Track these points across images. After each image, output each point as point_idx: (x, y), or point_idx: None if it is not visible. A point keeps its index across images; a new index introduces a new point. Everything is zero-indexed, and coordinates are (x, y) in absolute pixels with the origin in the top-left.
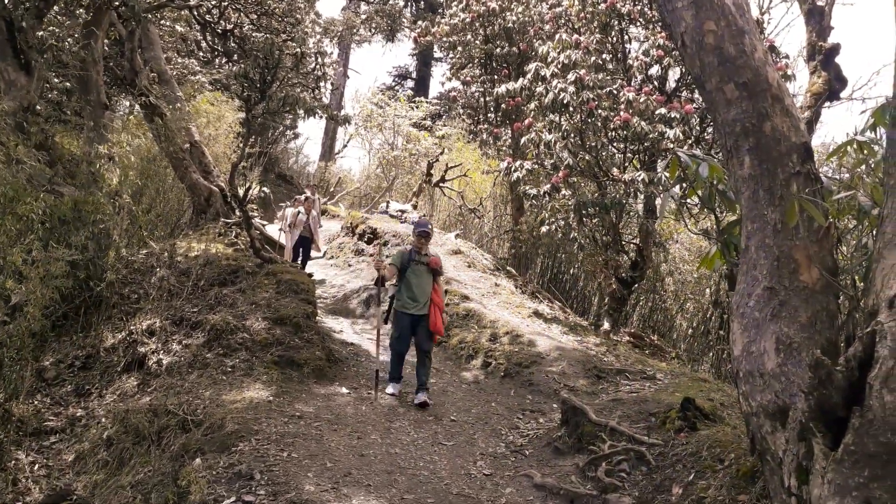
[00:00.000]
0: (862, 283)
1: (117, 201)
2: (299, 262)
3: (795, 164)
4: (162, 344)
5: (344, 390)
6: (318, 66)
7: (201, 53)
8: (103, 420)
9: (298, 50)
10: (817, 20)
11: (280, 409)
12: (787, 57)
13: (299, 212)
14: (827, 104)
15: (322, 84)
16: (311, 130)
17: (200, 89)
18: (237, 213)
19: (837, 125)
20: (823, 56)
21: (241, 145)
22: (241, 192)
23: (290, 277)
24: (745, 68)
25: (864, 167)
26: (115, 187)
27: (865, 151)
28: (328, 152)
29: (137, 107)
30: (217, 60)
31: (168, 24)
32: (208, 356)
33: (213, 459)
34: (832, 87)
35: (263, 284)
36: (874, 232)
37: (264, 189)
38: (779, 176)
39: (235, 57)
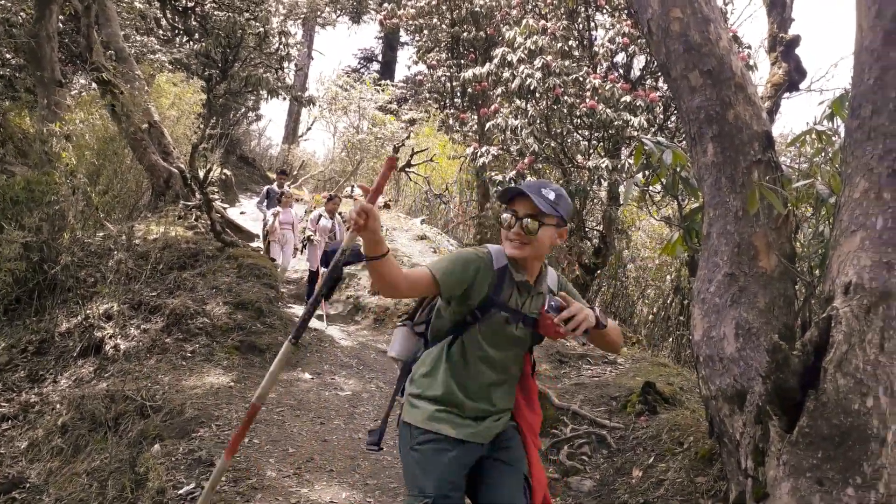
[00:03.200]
0: (818, 270)
1: (72, 181)
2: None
3: (757, 153)
4: (119, 328)
5: (307, 376)
6: (281, 47)
7: (161, 31)
8: (58, 406)
9: (261, 29)
10: (779, 11)
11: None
12: (749, 47)
13: (321, 216)
14: (787, 94)
15: (286, 65)
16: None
17: (160, 68)
18: (198, 195)
19: (797, 115)
20: (784, 47)
21: (201, 126)
22: (201, 174)
23: (252, 261)
24: (710, 56)
25: (822, 156)
26: (71, 167)
27: (824, 141)
28: (291, 134)
29: (94, 84)
30: (177, 39)
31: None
32: (167, 341)
33: (173, 446)
34: (792, 77)
35: (224, 268)
36: (831, 220)
37: (226, 171)
38: (741, 164)
39: (196, 35)
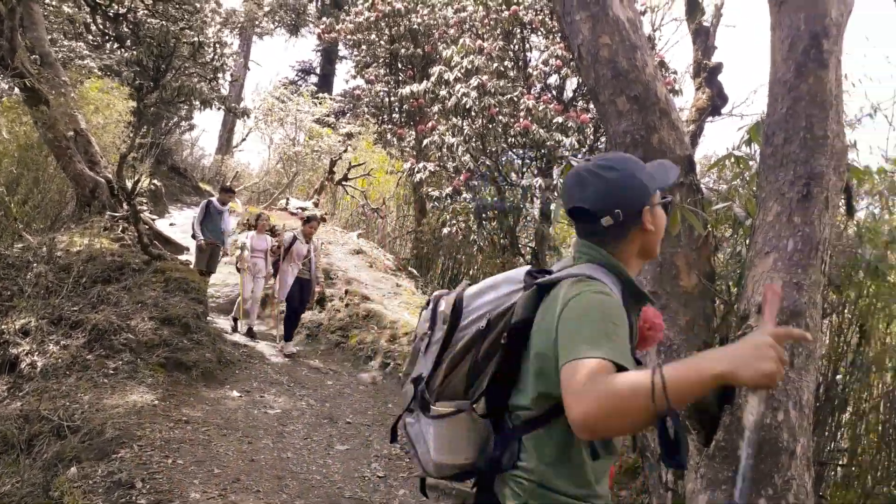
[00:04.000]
0: (736, 289)
1: None
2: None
3: (679, 176)
4: (37, 344)
5: (235, 393)
6: (216, 57)
7: (90, 37)
8: None
9: (196, 39)
10: (703, 39)
11: (166, 413)
12: (675, 72)
13: (295, 238)
14: (710, 119)
15: (220, 75)
16: (208, 122)
17: (88, 75)
18: (125, 206)
19: (719, 139)
20: (707, 73)
21: (131, 135)
22: (129, 184)
23: (180, 275)
24: (637, 82)
25: (740, 180)
26: None
27: (741, 165)
28: (226, 145)
29: (17, 90)
30: (108, 45)
31: (54, 3)
32: (89, 358)
33: (91, 468)
34: (715, 103)
35: (151, 282)
36: (747, 241)
37: (155, 182)
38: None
39: (128, 43)
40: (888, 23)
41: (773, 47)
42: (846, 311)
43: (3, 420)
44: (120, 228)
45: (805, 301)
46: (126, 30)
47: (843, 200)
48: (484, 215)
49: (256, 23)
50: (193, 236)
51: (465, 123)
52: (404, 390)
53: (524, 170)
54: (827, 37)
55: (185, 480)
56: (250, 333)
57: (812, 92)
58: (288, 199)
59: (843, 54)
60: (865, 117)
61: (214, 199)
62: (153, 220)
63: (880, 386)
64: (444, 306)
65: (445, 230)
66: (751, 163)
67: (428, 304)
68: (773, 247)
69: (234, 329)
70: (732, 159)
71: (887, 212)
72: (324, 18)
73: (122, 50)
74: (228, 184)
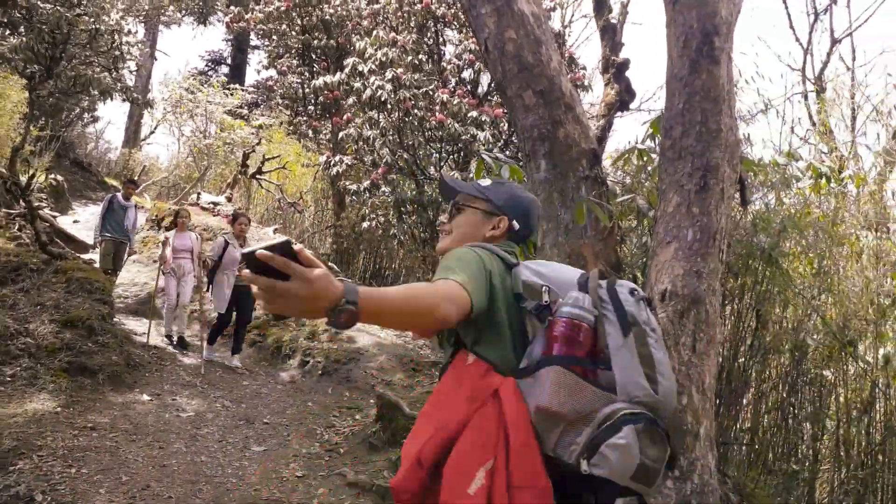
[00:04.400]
0: (642, 278)
1: None
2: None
3: (585, 169)
4: None
5: (145, 397)
6: (116, 45)
7: None
8: None
9: (93, 26)
10: (611, 36)
11: (69, 420)
12: (585, 69)
13: (227, 242)
14: (619, 114)
15: (121, 64)
16: (113, 114)
17: None
18: (21, 203)
19: (629, 133)
20: (616, 69)
21: (26, 127)
22: (24, 179)
23: (83, 275)
24: (542, 77)
25: (643, 173)
26: None
27: (644, 158)
28: (133, 138)
29: None
30: None
31: None
32: None
33: None
34: (623, 98)
35: (51, 283)
36: (651, 231)
37: (56, 177)
38: (570, 179)
39: (21, 29)
40: (779, 21)
41: (668, 44)
42: (745, 297)
43: None
44: (16, 226)
45: (704, 288)
46: (17, 15)
47: (737, 191)
48: (403, 209)
49: (162, 11)
50: (97, 237)
51: (381, 116)
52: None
53: (442, 164)
54: (718, 34)
55: (89, 490)
56: (181, 343)
57: (706, 87)
58: (199, 193)
59: (737, 52)
60: (759, 113)
61: (118, 194)
62: (54, 217)
63: (778, 367)
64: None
65: (365, 224)
66: (653, 156)
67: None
68: (674, 236)
69: (173, 345)
70: (636, 153)
71: (780, 202)
72: (232, 7)
73: (13, 36)
74: (134, 177)
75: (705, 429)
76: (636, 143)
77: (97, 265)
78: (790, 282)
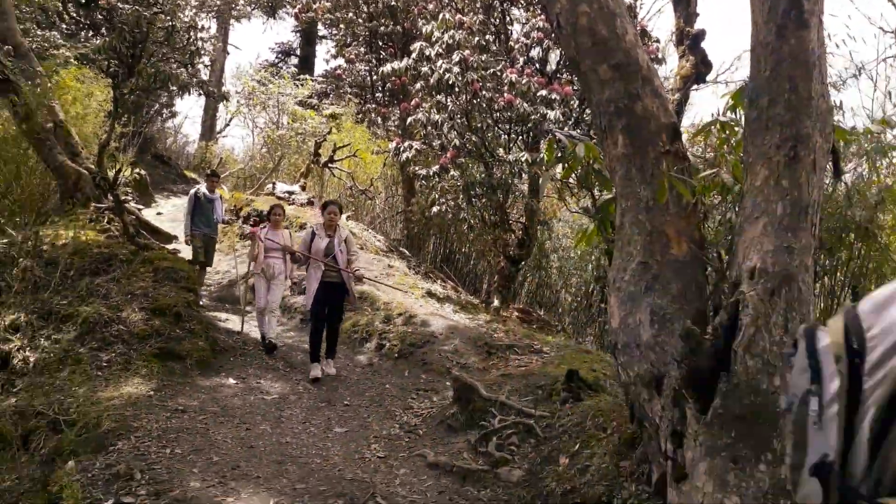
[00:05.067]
0: (726, 256)
1: None
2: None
3: (665, 143)
4: (28, 340)
5: (231, 381)
6: (192, 41)
7: (64, 25)
8: None
9: (170, 23)
10: (684, 6)
11: (162, 403)
12: (657, 41)
13: (314, 233)
14: (695, 87)
15: (198, 59)
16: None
17: (64, 64)
18: (109, 197)
19: (705, 106)
20: (690, 41)
21: (111, 124)
22: (111, 174)
23: (169, 265)
24: (617, 50)
25: (726, 146)
26: None
27: (727, 131)
28: (209, 131)
29: None
30: (83, 33)
31: None
32: (81, 351)
33: (89, 461)
34: (699, 70)
35: (140, 273)
36: (736, 207)
37: (140, 171)
38: (650, 155)
39: (102, 30)
40: None
41: (753, 9)
42: (838, 273)
43: None
44: (106, 220)
45: (796, 265)
46: (99, 17)
47: (830, 162)
48: (473, 192)
49: (233, 6)
50: (188, 234)
51: (448, 100)
52: (804, 491)
53: (511, 145)
54: None
55: (184, 469)
56: (272, 348)
57: (794, 53)
58: (274, 183)
59: (826, 15)
60: (850, 78)
61: (202, 187)
62: (139, 209)
63: None
64: (828, 338)
65: (435, 209)
66: (737, 128)
67: (795, 344)
68: (763, 211)
69: (267, 351)
70: (718, 125)
71: (875, 173)
72: None
73: (97, 37)
74: (211, 168)
75: None
76: (717, 115)
77: (182, 255)
78: (888, 256)
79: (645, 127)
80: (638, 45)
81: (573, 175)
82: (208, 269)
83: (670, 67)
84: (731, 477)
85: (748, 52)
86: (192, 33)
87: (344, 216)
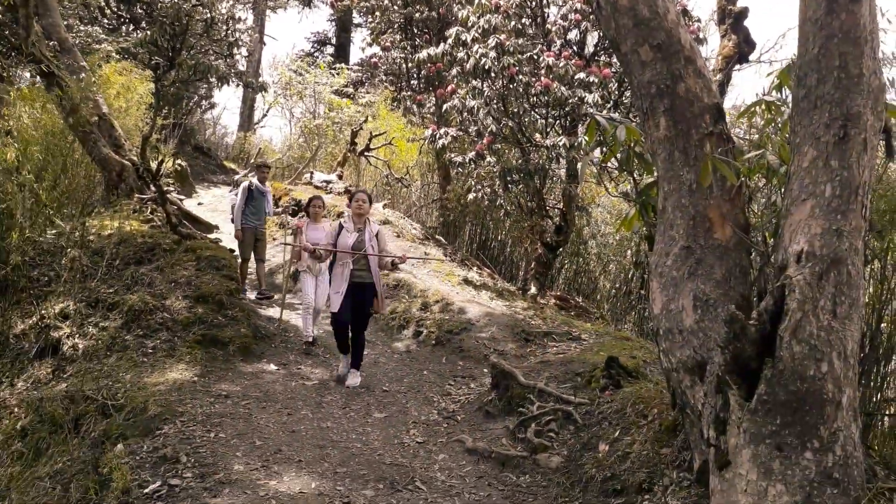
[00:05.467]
0: (772, 240)
1: (18, 178)
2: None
3: (708, 125)
4: (77, 327)
5: (272, 367)
6: (230, 32)
7: (106, 20)
8: (16, 410)
9: (208, 15)
10: None
11: (205, 389)
12: (699, 20)
13: (341, 227)
14: (737, 67)
15: (235, 50)
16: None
17: (107, 58)
18: (152, 188)
19: (747, 87)
20: (733, 19)
21: (152, 117)
22: (154, 165)
23: (211, 253)
24: (659, 30)
25: (772, 127)
26: (12, 163)
27: (773, 111)
28: (247, 122)
29: (37, 77)
30: (124, 28)
31: None
32: (127, 338)
33: (136, 444)
34: (741, 49)
35: (183, 261)
36: (782, 189)
37: (181, 162)
38: (693, 137)
39: (143, 24)
40: None
41: None
42: (889, 256)
43: (51, 401)
44: (149, 210)
45: (846, 248)
46: (140, 10)
47: (881, 142)
48: (509, 179)
49: None
50: (238, 230)
51: (484, 85)
52: None
53: (548, 130)
54: None
55: (228, 453)
56: (312, 345)
57: (845, 28)
58: (312, 172)
59: None
60: None
61: (254, 179)
62: (181, 200)
63: None
64: None
65: (471, 196)
66: (783, 108)
67: None
68: (810, 193)
69: (308, 351)
70: (763, 106)
71: None
72: None
73: (138, 31)
74: (261, 159)
75: (848, 398)
76: (762, 95)
77: (223, 244)
78: None
79: (688, 108)
80: (680, 25)
81: (613, 159)
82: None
83: (711, 47)
84: (775, 464)
85: (793, 29)
86: (230, 24)
87: (380, 204)
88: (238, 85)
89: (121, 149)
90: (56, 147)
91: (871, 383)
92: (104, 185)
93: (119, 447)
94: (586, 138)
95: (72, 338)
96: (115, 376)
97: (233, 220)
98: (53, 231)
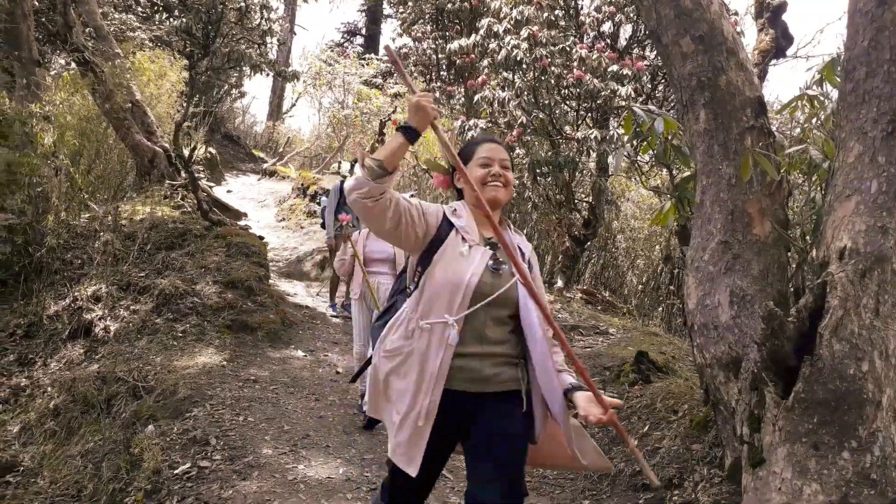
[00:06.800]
0: (811, 237)
1: (54, 163)
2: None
3: (749, 119)
4: (109, 310)
5: (300, 353)
6: (263, 21)
7: (140, 8)
8: (49, 389)
9: (242, 4)
10: None
11: (234, 373)
12: (736, 13)
13: (451, 225)
14: (774, 62)
15: (268, 39)
16: (257, 89)
17: (140, 46)
18: (183, 174)
19: (783, 82)
20: (771, 14)
21: (184, 104)
22: (186, 152)
23: (241, 240)
24: (702, 21)
25: (814, 121)
26: (49, 148)
27: (815, 106)
28: (276, 111)
29: (73, 64)
30: (157, 16)
31: None
32: (158, 321)
33: (167, 426)
34: (779, 44)
35: (213, 247)
36: (823, 186)
37: (211, 150)
38: (733, 130)
39: (176, 12)
40: None
41: None
42: None
43: (83, 382)
44: (180, 196)
45: (891, 245)
46: None
47: None
48: (538, 171)
49: None
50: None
51: (516, 77)
52: None
53: (579, 122)
54: None
55: (256, 437)
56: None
57: None
58: (340, 162)
59: None
60: None
61: (347, 180)
62: (211, 187)
63: None
64: None
65: None
66: (826, 103)
67: None
68: (855, 189)
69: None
70: (805, 100)
71: None
72: None
73: (171, 19)
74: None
75: (888, 398)
76: (804, 89)
77: (252, 231)
78: None
79: (729, 101)
80: (723, 16)
81: (649, 151)
82: (272, 242)
83: (748, 41)
84: (811, 463)
85: (831, 24)
86: (263, 13)
87: (407, 194)
88: (269, 74)
89: (153, 135)
90: (91, 133)
91: None
92: (136, 170)
93: (150, 428)
94: (619, 131)
95: (104, 320)
96: (146, 359)
97: (323, 226)
98: (87, 215)
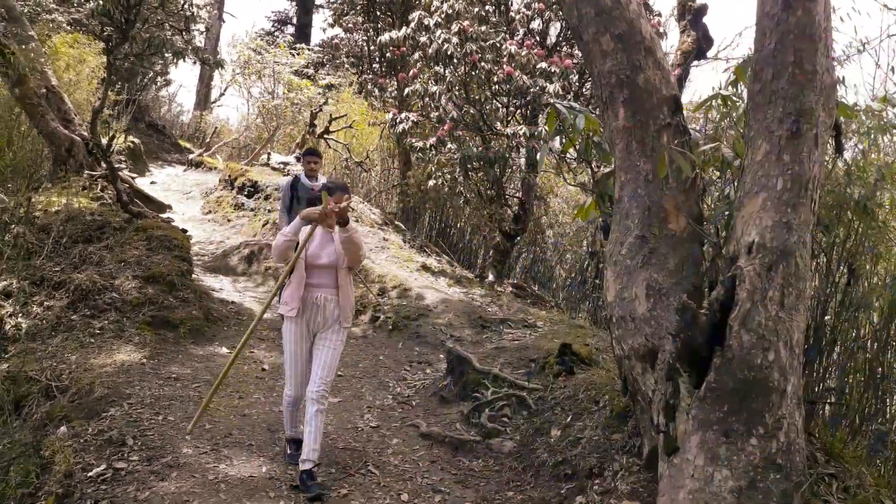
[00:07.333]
0: (724, 231)
1: None
2: None
3: (666, 117)
4: (20, 306)
5: (224, 350)
6: (186, 6)
7: None
8: None
9: None
10: None
11: (155, 371)
12: (659, 15)
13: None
14: (695, 62)
15: (192, 25)
16: (185, 77)
17: (57, 29)
18: (102, 164)
19: (704, 82)
20: (692, 16)
21: (104, 91)
22: (105, 141)
23: (163, 233)
24: (621, 20)
25: (727, 120)
26: None
27: (729, 106)
28: (203, 101)
29: None
30: None
31: None
32: (74, 318)
33: (81, 427)
34: (700, 46)
35: (133, 241)
36: (736, 182)
37: (133, 140)
38: (651, 127)
39: None
40: None
41: None
42: (834, 251)
43: None
44: (99, 187)
45: (795, 241)
46: None
47: (831, 138)
48: (469, 166)
49: None
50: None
51: (447, 71)
52: None
53: (509, 118)
54: None
55: (176, 436)
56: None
57: (800, 25)
58: (269, 154)
59: None
60: (855, 54)
61: (300, 175)
62: (133, 178)
63: (868, 325)
64: None
65: (431, 182)
66: (738, 103)
67: None
68: (763, 186)
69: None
70: (719, 100)
71: (875, 151)
72: None
73: (90, 1)
74: (313, 146)
75: (792, 386)
76: (719, 89)
77: (175, 224)
78: (886, 235)
79: (647, 99)
80: (641, 16)
81: (573, 148)
82: (196, 236)
83: (671, 42)
84: (722, 450)
85: (750, 28)
86: None
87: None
88: (195, 62)
89: (70, 123)
90: (1, 119)
91: (815, 373)
92: (52, 160)
93: (62, 429)
94: (546, 127)
95: (14, 317)
96: (60, 357)
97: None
98: None
